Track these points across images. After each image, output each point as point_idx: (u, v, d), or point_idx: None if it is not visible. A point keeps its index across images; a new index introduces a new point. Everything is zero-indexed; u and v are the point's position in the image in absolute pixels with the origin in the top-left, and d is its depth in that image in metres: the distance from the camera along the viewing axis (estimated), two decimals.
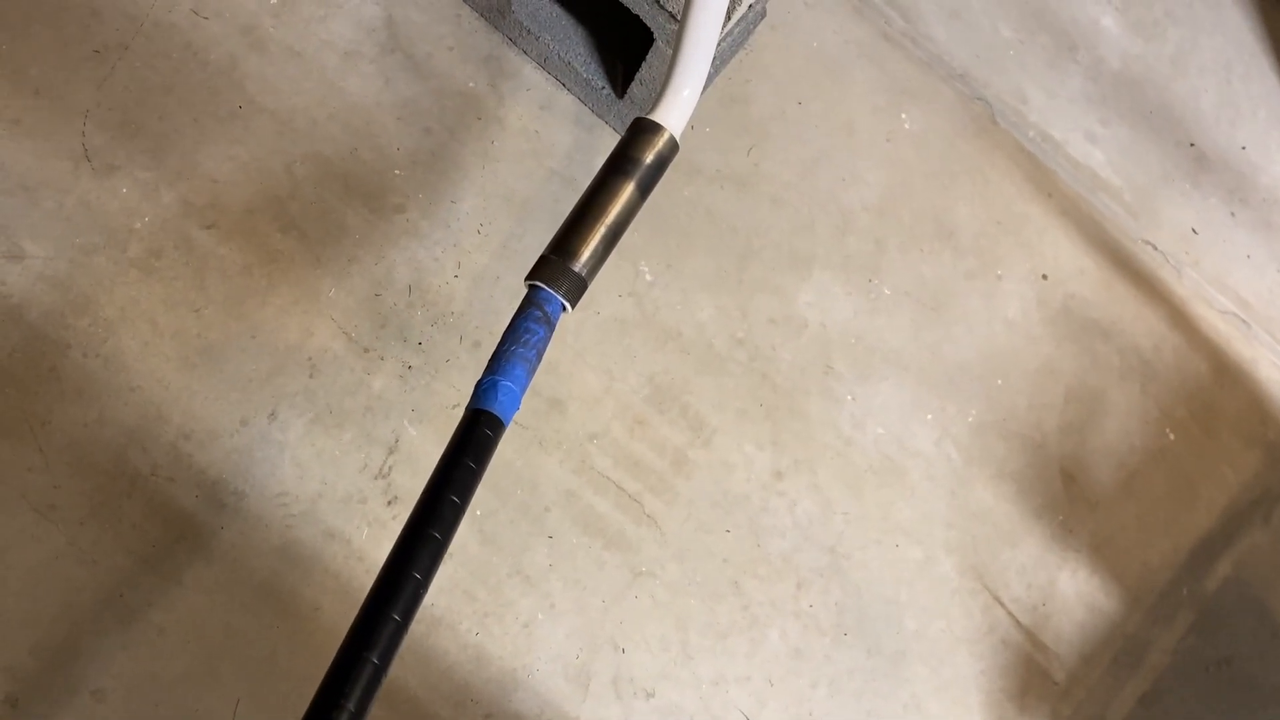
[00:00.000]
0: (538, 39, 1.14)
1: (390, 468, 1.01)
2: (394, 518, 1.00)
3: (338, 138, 1.09)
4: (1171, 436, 1.28)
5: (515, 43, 1.17)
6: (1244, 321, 1.37)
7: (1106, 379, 1.28)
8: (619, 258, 1.15)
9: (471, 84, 1.16)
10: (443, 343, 1.06)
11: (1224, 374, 1.33)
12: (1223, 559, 1.25)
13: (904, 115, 1.31)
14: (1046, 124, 1.37)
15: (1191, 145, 1.43)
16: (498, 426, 0.68)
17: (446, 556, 0.99)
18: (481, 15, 1.17)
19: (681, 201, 1.19)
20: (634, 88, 1.11)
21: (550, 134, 1.16)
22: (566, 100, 1.18)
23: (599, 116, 1.18)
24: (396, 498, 1.00)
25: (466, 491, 0.65)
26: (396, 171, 1.10)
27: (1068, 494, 1.22)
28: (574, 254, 0.77)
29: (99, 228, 1.00)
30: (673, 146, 0.82)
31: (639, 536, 1.07)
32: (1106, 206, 1.36)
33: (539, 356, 0.73)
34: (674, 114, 0.82)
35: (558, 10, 1.15)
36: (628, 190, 0.80)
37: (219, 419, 0.98)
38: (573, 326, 1.11)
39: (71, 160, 1.01)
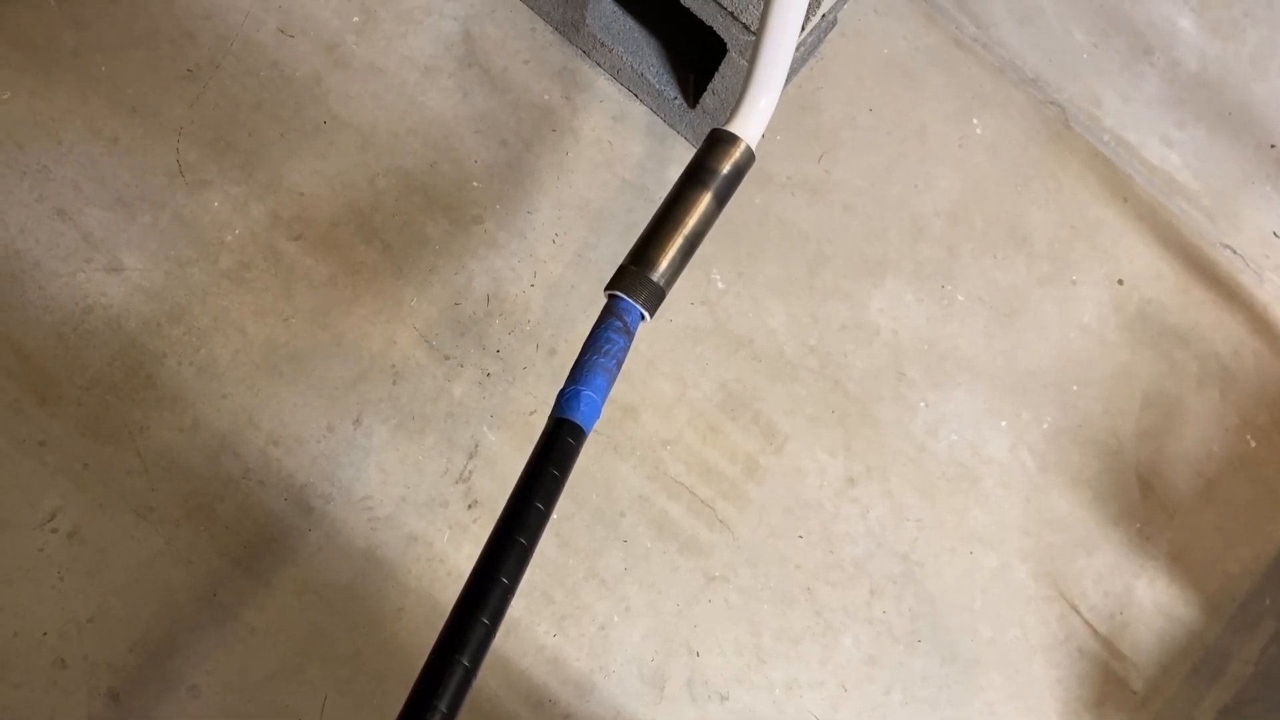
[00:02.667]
0: (611, 51, 1.16)
1: (470, 472, 1.04)
2: (475, 521, 1.02)
3: (418, 151, 1.12)
4: (1252, 443, 1.26)
5: (589, 55, 1.19)
6: None
7: (1184, 385, 1.26)
8: (691, 266, 1.16)
9: (546, 96, 1.18)
10: (520, 350, 1.08)
11: None
12: None
13: (976, 121, 1.30)
14: (1121, 128, 1.36)
15: (1272, 147, 1.41)
16: (580, 435, 0.70)
17: None
18: (556, 29, 1.19)
19: (753, 209, 1.20)
20: (706, 98, 1.12)
21: (623, 144, 1.18)
22: (639, 111, 1.20)
23: (671, 126, 1.19)
24: (476, 501, 1.03)
25: (551, 499, 0.66)
26: (474, 184, 1.13)
27: (1145, 501, 1.21)
28: (652, 264, 0.79)
29: (192, 240, 1.04)
30: (749, 156, 0.83)
31: (712, 542, 1.08)
32: (1183, 210, 1.34)
33: (618, 366, 0.75)
34: (750, 124, 0.83)
35: (630, 22, 1.17)
36: (705, 200, 0.81)
37: (306, 425, 1.01)
38: (646, 335, 1.13)
39: (166, 175, 1.05)
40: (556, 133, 1.17)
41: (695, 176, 0.82)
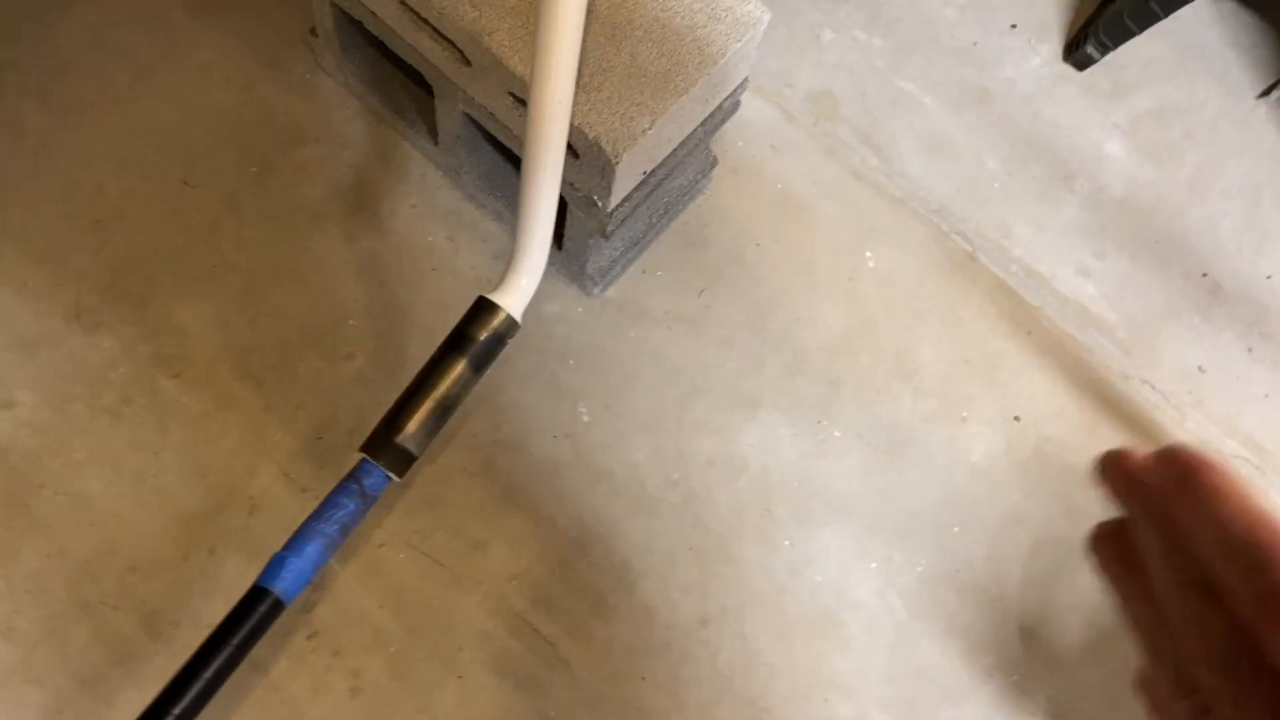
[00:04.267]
0: (489, 195, 1.22)
1: (314, 603, 1.09)
2: (313, 650, 1.07)
3: (300, 293, 1.20)
4: None
5: (472, 199, 1.25)
6: (1256, 467, 1.26)
7: (1081, 530, 1.20)
8: (557, 398, 1.19)
9: (430, 238, 1.24)
10: None
11: None
12: None
13: (869, 254, 1.30)
14: (1032, 258, 1.33)
15: (1204, 275, 1.35)
16: (277, 606, 0.74)
17: (358, 690, 1.06)
18: (444, 173, 1.26)
19: (626, 343, 1.23)
20: (565, 242, 1.17)
21: None
22: None
23: (549, 264, 1.24)
24: (316, 632, 1.08)
25: (223, 673, 0.70)
26: (350, 322, 1.20)
27: (1026, 652, 1.16)
28: (400, 428, 0.84)
29: (80, 378, 1.14)
30: (511, 324, 0.87)
31: (551, 680, 1.09)
32: (1096, 343, 1.30)
33: (343, 531, 0.79)
34: (512, 297, 0.88)
35: (509, 169, 1.23)
36: (460, 367, 0.85)
37: (164, 553, 1.09)
38: (505, 467, 1.16)
39: (64, 319, 1.16)
40: (436, 271, 1.23)
41: (454, 343, 0.86)
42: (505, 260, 1.22)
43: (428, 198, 1.26)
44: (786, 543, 1.17)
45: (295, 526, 1.08)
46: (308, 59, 1.29)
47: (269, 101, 1.27)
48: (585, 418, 1.20)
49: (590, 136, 0.94)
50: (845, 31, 1.41)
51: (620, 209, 1.06)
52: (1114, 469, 0.42)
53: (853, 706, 1.12)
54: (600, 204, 1.03)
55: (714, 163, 1.26)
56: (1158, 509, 0.39)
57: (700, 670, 1.12)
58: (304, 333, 1.19)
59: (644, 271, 1.26)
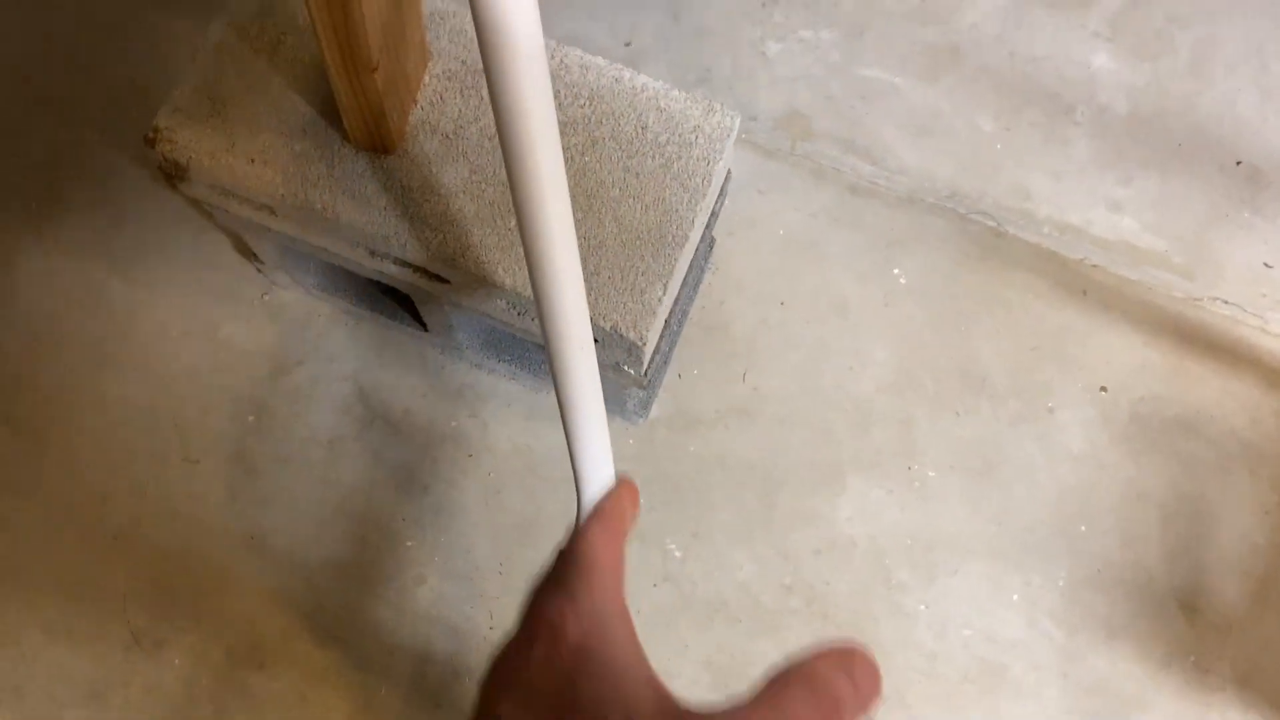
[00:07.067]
0: (497, 360, 1.14)
1: None
2: None
3: (345, 531, 1.13)
4: None
5: (480, 366, 1.17)
6: None
7: (1204, 480, 1.16)
8: (642, 545, 1.13)
9: (454, 423, 1.16)
10: None
11: None
12: None
13: (896, 270, 1.22)
14: (1060, 212, 1.24)
15: (1239, 164, 1.26)
16: None
17: None
18: (443, 351, 1.18)
19: (689, 459, 1.16)
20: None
21: (541, 442, 1.16)
22: (548, 400, 1.17)
23: None
24: None
25: None
26: (408, 544, 1.13)
27: (1192, 629, 1.12)
28: None
29: (166, 705, 1.08)
30: None
31: None
32: (1154, 278, 1.22)
33: None
34: None
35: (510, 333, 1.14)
36: None
37: None
38: None
39: (124, 649, 1.09)
40: (473, 456, 1.16)
41: None
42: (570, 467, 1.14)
43: (434, 381, 1.18)
44: (921, 607, 1.12)
45: None
46: (260, 280, 1.19)
47: (237, 340, 1.18)
48: (677, 554, 1.13)
49: (607, 327, 0.86)
50: (790, 36, 1.30)
51: (653, 362, 0.98)
52: None
53: None
54: (633, 371, 0.95)
55: (713, 242, 1.18)
56: None
57: None
58: (365, 573, 1.12)
59: (680, 376, 1.19)
